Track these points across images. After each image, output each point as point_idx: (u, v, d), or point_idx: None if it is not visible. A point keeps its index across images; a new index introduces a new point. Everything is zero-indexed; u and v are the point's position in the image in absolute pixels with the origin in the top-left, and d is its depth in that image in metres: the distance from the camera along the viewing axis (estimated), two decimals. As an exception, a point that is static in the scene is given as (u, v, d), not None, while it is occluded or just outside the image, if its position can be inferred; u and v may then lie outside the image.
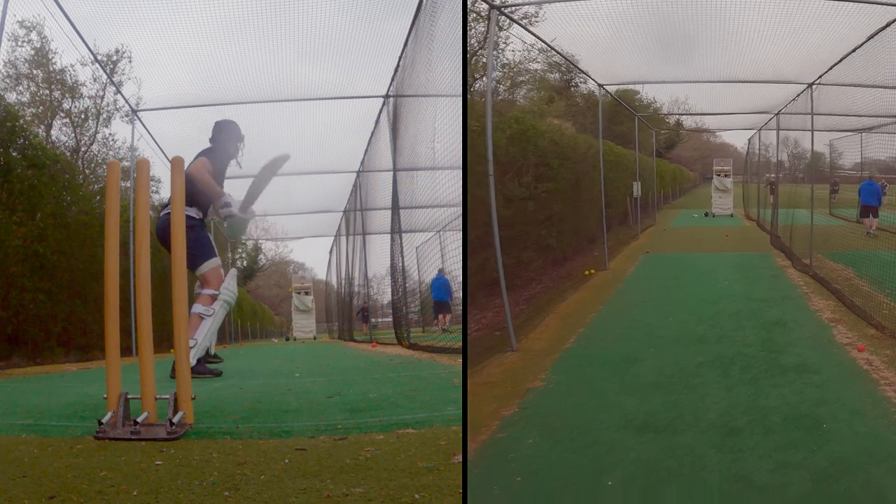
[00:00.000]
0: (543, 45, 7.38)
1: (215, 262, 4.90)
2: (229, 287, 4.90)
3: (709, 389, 3.37)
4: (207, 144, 5.18)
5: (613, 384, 3.56)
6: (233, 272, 5.06)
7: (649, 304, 6.14)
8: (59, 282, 7.81)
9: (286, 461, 1.87)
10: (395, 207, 9.66)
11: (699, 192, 26.03)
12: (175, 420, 2.27)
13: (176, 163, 2.66)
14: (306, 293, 24.26)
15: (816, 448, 2.53)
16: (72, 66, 15.61)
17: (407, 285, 10.24)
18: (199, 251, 4.81)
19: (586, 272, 7.95)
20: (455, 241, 8.98)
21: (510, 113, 8.69)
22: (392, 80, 9.07)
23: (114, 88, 15.43)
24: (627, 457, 2.55)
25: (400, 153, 9.27)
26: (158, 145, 10.91)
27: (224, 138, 5.20)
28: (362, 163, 12.85)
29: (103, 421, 2.23)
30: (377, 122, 10.64)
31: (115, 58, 15.85)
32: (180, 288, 2.49)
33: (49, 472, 1.73)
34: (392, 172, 9.70)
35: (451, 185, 7.58)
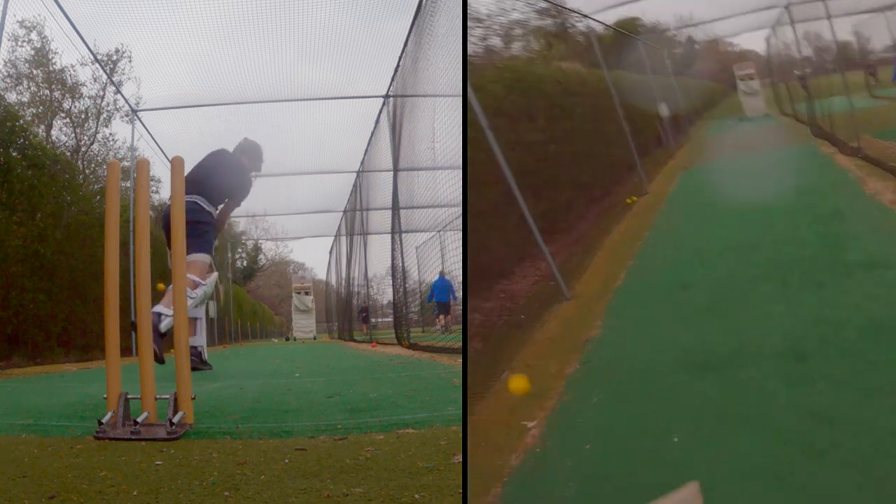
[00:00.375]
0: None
1: (207, 258, 5.00)
2: (212, 283, 5.03)
3: (769, 307, 2.97)
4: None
5: (668, 318, 3.27)
6: (216, 275, 5.19)
7: (695, 219, 5.77)
8: (59, 282, 7.81)
9: (286, 461, 1.87)
10: (396, 207, 9.66)
11: (730, 101, 24.17)
12: (175, 420, 2.27)
13: (176, 163, 2.66)
14: (306, 293, 24.27)
15: None
16: (72, 66, 15.62)
17: (407, 285, 10.25)
18: (202, 241, 4.96)
19: (628, 200, 7.73)
20: (455, 240, 8.99)
21: (502, 63, 8.53)
22: (392, 80, 9.08)
23: (114, 88, 15.43)
24: (691, 403, 2.29)
25: (400, 153, 9.27)
26: (158, 145, 10.91)
27: (252, 162, 5.53)
28: (362, 163, 12.86)
29: (103, 421, 2.23)
30: (377, 122, 10.65)
31: (115, 58, 15.86)
32: (180, 288, 2.49)
33: (49, 472, 1.73)
34: (392, 172, 9.71)
35: (450, 185, 7.59)
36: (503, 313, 4.73)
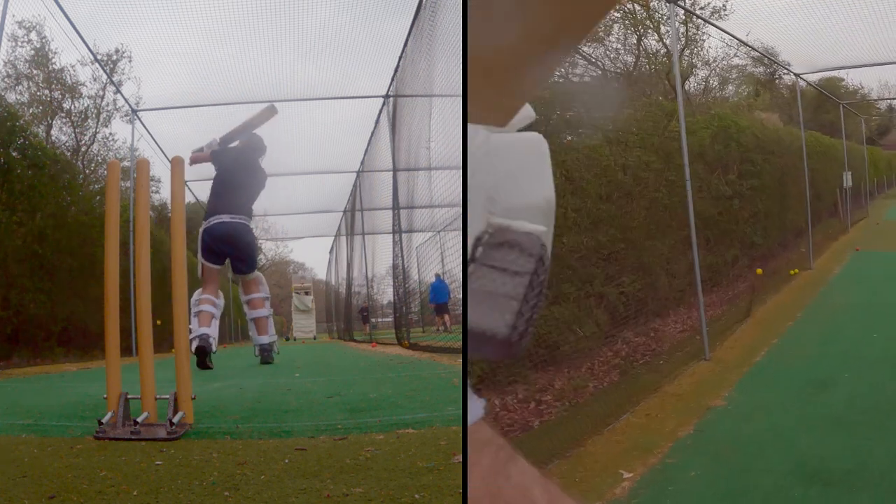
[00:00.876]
0: (737, 39, 7.34)
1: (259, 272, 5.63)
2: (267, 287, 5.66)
3: None
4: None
5: (794, 414, 3.15)
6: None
7: (854, 312, 5.51)
8: (59, 282, 7.81)
9: (286, 461, 1.87)
10: (396, 207, 9.66)
11: None
12: (175, 420, 2.27)
13: (176, 163, 2.66)
14: (306, 293, 24.26)
15: None
16: (72, 66, 15.59)
17: (407, 285, 10.25)
18: (255, 256, 5.51)
19: (791, 272, 7.53)
20: (455, 240, 8.99)
21: (713, 110, 8.53)
22: (392, 80, 9.08)
23: (114, 88, 15.42)
24: None
25: (399, 153, 9.27)
26: (158, 145, 10.91)
27: (262, 152, 5.82)
28: (362, 163, 12.85)
29: (103, 421, 2.23)
30: (377, 122, 10.64)
31: (114, 58, 15.84)
32: (180, 288, 2.49)
33: (49, 472, 1.73)
34: (392, 172, 9.71)
35: (450, 185, 7.58)
36: (647, 353, 4.74)
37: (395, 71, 8.73)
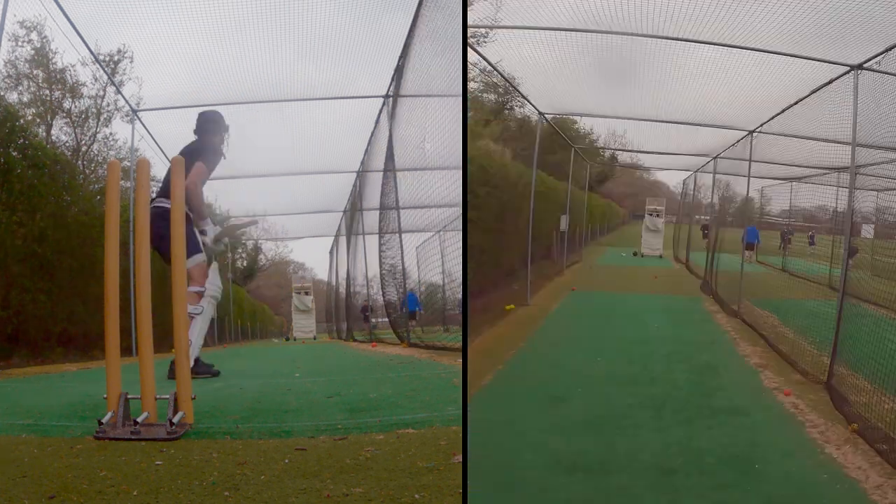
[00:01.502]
0: (486, 64, 7.27)
1: (200, 257, 4.83)
2: (214, 282, 4.86)
3: (641, 430, 3.33)
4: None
5: (538, 424, 3.39)
6: (215, 266, 5.01)
7: (576, 343, 5.92)
8: (59, 282, 7.81)
9: (286, 461, 1.87)
10: (391, 206, 9.67)
11: (627, 230, 25.43)
12: (175, 420, 2.27)
13: (176, 163, 2.66)
14: (306, 293, 24.25)
15: (750, 488, 2.57)
16: (72, 65, 15.62)
17: (407, 285, 10.26)
18: (188, 243, 4.79)
19: (507, 307, 7.52)
20: (455, 240, 8.99)
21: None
22: (392, 79, 9.08)
23: (114, 88, 15.42)
24: (558, 497, 2.48)
25: (399, 153, 9.28)
26: (158, 145, 10.90)
27: (212, 131, 5.17)
28: (362, 163, 12.85)
29: (103, 421, 2.23)
30: (377, 122, 10.65)
31: (116, 58, 15.85)
32: (180, 288, 2.49)
33: (49, 472, 1.73)
34: (392, 172, 9.71)
35: (449, 185, 7.59)
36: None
37: (395, 71, 8.74)
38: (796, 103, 6.29)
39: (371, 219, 13.59)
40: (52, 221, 7.80)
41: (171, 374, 4.05)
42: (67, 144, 16.43)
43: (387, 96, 9.62)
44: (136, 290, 2.44)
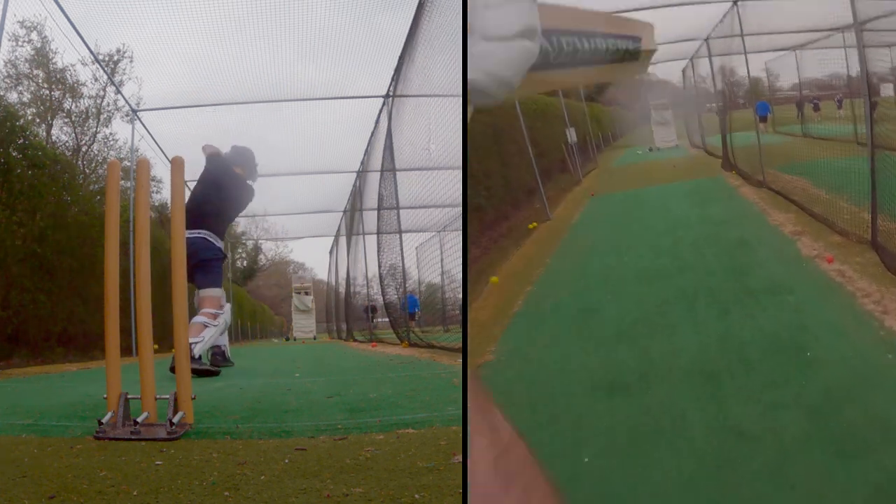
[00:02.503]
0: None
1: (219, 291, 5.08)
2: (227, 311, 5.07)
3: (676, 331, 3.04)
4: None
5: (572, 342, 3.21)
6: (229, 306, 5.25)
7: (601, 247, 5.66)
8: (59, 282, 7.81)
9: (286, 461, 1.87)
10: (391, 206, 9.67)
11: (641, 131, 24.52)
12: (175, 420, 2.27)
13: (176, 163, 2.66)
14: (306, 293, 24.27)
15: (805, 381, 2.25)
16: (72, 65, 15.63)
17: (407, 285, 10.27)
18: (213, 276, 5.05)
19: (530, 226, 7.38)
20: (455, 240, 8.99)
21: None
22: (392, 79, 9.08)
23: (114, 88, 15.42)
24: (601, 425, 2.29)
25: (399, 153, 9.28)
26: (158, 145, 10.91)
27: (249, 172, 5.37)
28: (362, 163, 12.86)
29: (103, 421, 2.23)
30: (377, 122, 10.65)
31: (115, 58, 15.86)
32: (180, 287, 2.49)
33: (49, 472, 1.73)
34: (391, 172, 9.72)
35: (448, 185, 7.59)
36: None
37: (395, 71, 8.74)
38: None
39: (371, 219, 13.60)
40: (52, 221, 7.80)
41: (173, 369, 4.17)
42: (67, 144, 16.45)
43: (387, 96, 9.62)
44: (136, 290, 2.44)
